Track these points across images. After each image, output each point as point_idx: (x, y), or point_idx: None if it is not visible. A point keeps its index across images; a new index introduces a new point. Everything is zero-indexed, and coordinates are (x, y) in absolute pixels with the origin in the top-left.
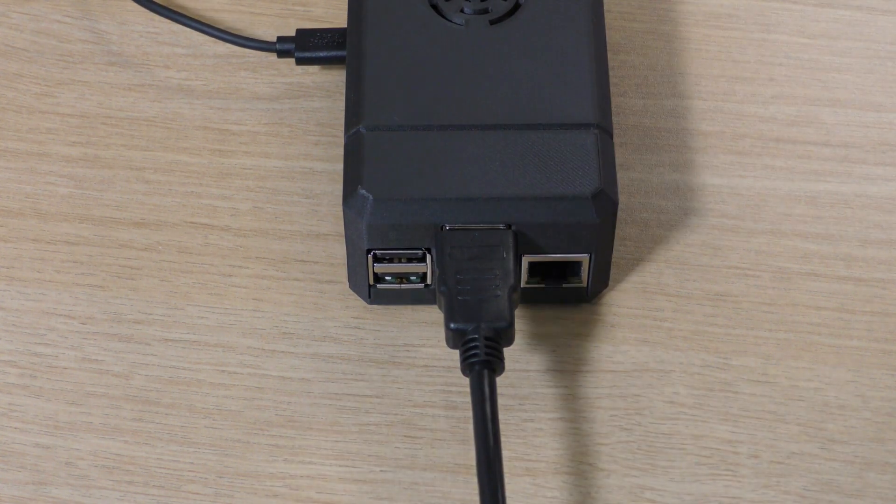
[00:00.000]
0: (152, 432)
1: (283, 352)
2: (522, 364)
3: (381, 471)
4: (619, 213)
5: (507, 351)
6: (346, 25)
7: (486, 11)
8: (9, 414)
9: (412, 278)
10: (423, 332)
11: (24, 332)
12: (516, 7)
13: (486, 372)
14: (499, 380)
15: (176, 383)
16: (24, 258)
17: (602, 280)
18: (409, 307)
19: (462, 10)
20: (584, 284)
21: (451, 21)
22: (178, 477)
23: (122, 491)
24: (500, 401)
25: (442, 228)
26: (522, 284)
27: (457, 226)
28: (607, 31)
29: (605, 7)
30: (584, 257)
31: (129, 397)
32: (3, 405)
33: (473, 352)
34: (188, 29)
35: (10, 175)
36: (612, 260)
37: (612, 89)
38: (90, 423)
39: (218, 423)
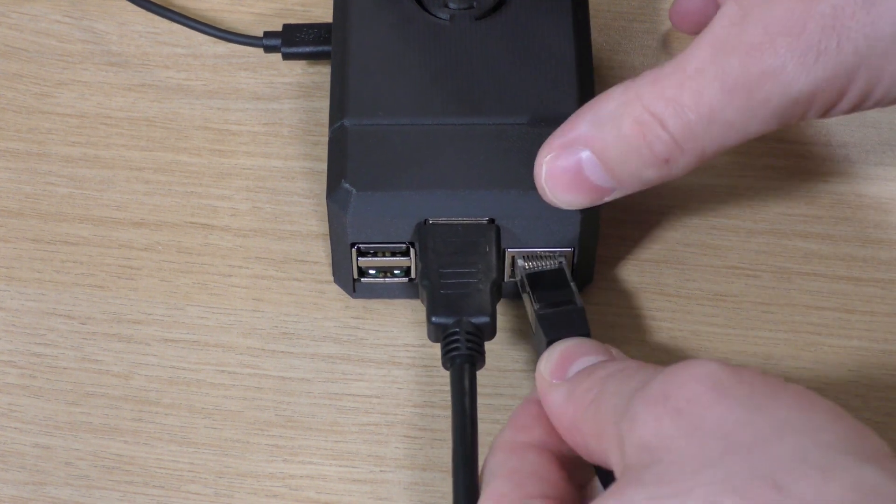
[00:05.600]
0: (152, 432)
1: (282, 352)
2: (522, 364)
3: (381, 471)
4: (619, 213)
5: (507, 351)
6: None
7: (470, 7)
8: (8, 414)
9: (396, 272)
10: (422, 332)
11: (24, 332)
12: (501, 2)
13: (466, 366)
14: (499, 379)
15: (176, 383)
16: (24, 258)
17: (586, 275)
18: (409, 307)
19: (447, 6)
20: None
21: (435, 16)
22: (178, 477)
23: (122, 491)
24: (501, 400)
25: (425, 222)
26: (505, 279)
27: (440, 220)
28: (607, 32)
29: (606, 7)
30: (567, 252)
31: (129, 397)
32: (2, 405)
33: (454, 346)
34: (188, 29)
35: (10, 175)
36: (612, 260)
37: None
38: (90, 423)
39: (218, 423)
